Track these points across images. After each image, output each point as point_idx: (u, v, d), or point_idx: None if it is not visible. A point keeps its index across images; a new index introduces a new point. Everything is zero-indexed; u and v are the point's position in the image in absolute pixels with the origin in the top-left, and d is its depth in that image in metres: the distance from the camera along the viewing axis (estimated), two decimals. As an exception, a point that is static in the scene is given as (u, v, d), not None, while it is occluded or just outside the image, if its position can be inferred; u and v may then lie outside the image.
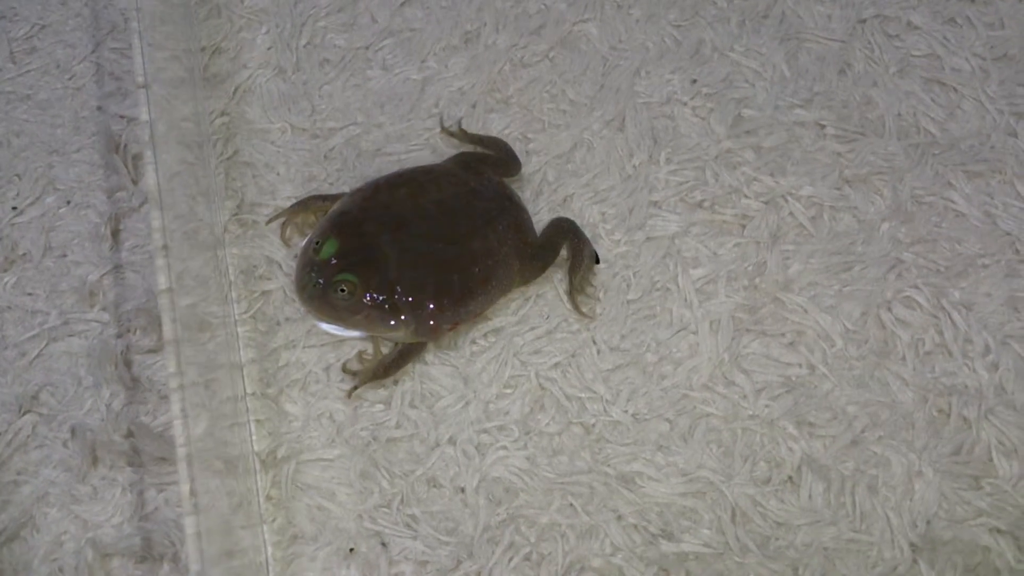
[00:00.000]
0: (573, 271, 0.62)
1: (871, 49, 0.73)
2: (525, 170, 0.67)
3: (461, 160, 0.64)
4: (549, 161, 0.67)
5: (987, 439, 0.59)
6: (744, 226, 0.65)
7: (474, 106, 0.69)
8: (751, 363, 0.61)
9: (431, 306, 0.56)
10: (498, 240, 0.59)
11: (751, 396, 0.60)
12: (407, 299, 0.56)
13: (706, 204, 0.66)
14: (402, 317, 0.56)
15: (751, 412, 0.60)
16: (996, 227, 0.66)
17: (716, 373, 0.61)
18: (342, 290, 0.55)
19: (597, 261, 0.63)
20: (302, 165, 0.66)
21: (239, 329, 0.60)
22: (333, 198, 0.62)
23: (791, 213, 0.66)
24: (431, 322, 0.57)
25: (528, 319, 0.62)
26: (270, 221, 0.63)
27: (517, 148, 0.68)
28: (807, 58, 0.72)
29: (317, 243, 0.56)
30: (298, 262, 0.58)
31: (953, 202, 0.67)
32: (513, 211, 0.62)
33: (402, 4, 0.72)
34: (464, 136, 0.66)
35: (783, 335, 0.62)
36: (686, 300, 0.63)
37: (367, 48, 0.71)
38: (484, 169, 0.64)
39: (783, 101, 0.70)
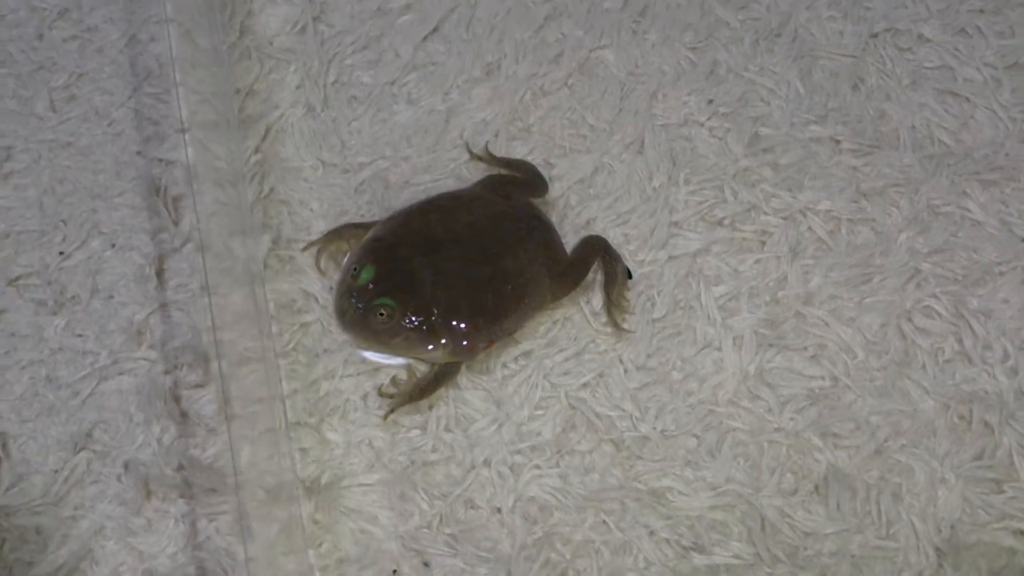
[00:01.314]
0: (609, 287, 0.64)
1: (883, 63, 0.74)
2: (549, 195, 0.69)
3: (489, 183, 0.67)
4: (571, 186, 0.70)
5: (1008, 443, 0.60)
6: (764, 242, 0.67)
7: (497, 135, 0.71)
8: (775, 377, 0.63)
9: (467, 326, 0.58)
10: (529, 259, 0.62)
11: (776, 409, 0.62)
12: (444, 320, 0.58)
13: (726, 222, 0.68)
14: (440, 338, 0.58)
15: (776, 425, 0.62)
16: (1012, 234, 0.67)
17: (741, 388, 0.63)
18: (381, 314, 0.57)
19: (630, 276, 0.65)
20: (334, 200, 0.69)
21: (280, 361, 0.63)
22: (366, 226, 0.65)
23: (810, 228, 0.67)
24: (467, 342, 0.59)
25: (557, 341, 0.64)
26: (305, 249, 0.66)
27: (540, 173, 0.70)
28: (821, 74, 0.73)
29: (355, 269, 0.58)
30: (336, 289, 0.61)
31: (969, 211, 0.68)
32: (542, 230, 0.64)
33: (424, 39, 0.75)
34: (492, 159, 0.69)
35: (805, 348, 0.64)
36: (709, 317, 0.65)
37: (392, 83, 0.73)
38: (512, 191, 0.66)
39: (798, 118, 0.71)
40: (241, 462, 0.50)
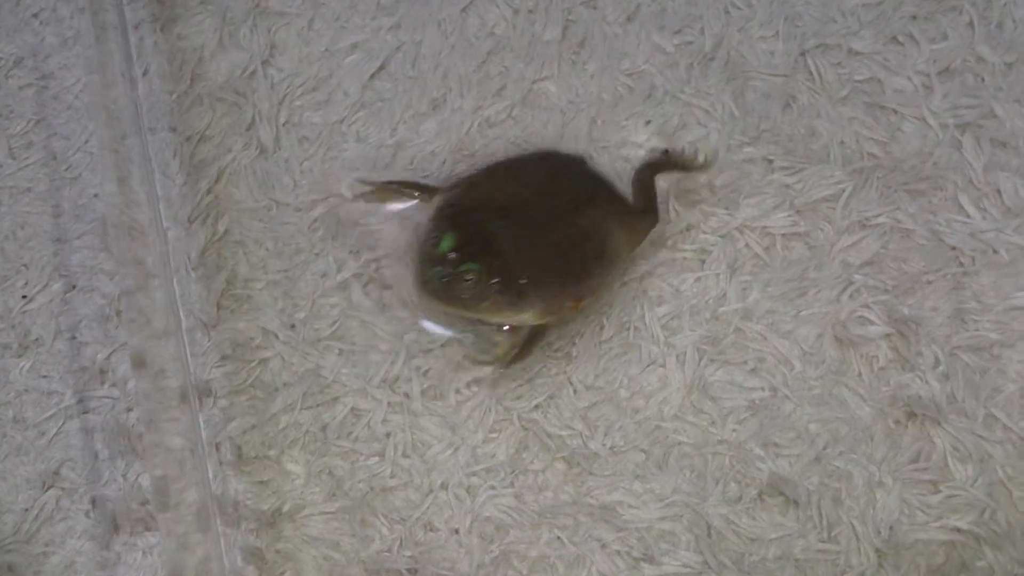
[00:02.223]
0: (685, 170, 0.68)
1: (813, 80, 0.77)
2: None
3: (539, 153, 0.70)
4: (518, 214, 0.72)
5: (942, 446, 0.63)
6: (703, 261, 0.70)
7: (444, 163, 0.74)
8: (717, 391, 0.66)
9: (555, 285, 0.59)
10: (601, 214, 0.63)
11: (719, 422, 0.64)
12: (531, 282, 0.58)
13: (668, 243, 0.71)
14: (528, 301, 0.58)
15: (720, 437, 0.64)
16: (941, 243, 0.70)
17: (685, 403, 0.65)
18: (467, 280, 0.56)
19: (666, 151, 0.69)
20: (288, 238, 0.71)
21: (238, 398, 0.65)
22: (421, 186, 0.68)
23: (747, 244, 0.70)
24: (556, 301, 0.59)
25: (508, 371, 0.67)
26: (362, 192, 0.69)
27: (487, 204, 0.72)
28: (753, 96, 0.76)
29: (435, 238, 0.58)
30: (417, 263, 0.60)
31: (899, 222, 0.71)
32: (605, 185, 0.66)
33: (371, 77, 0.77)
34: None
35: (745, 362, 0.66)
36: (653, 336, 0.67)
37: (341, 122, 0.75)
38: (561, 155, 0.69)
39: (733, 140, 0.74)
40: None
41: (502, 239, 0.58)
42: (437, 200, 0.63)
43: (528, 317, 0.60)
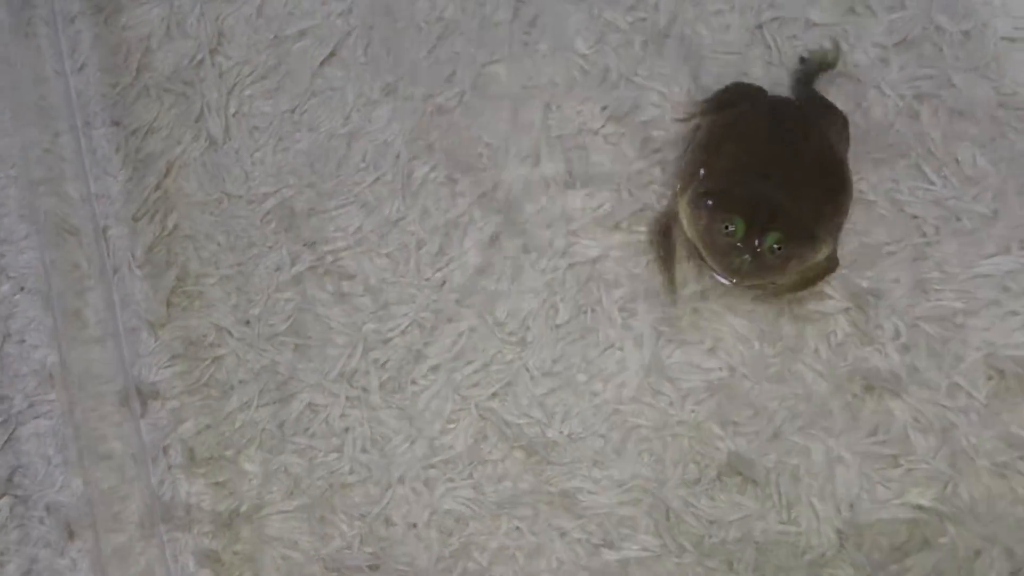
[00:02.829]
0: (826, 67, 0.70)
1: (770, 54, 0.76)
2: (452, 213, 0.71)
3: (741, 105, 0.69)
4: (474, 201, 0.71)
5: (902, 418, 0.63)
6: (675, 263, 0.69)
7: (398, 156, 0.73)
8: (675, 372, 0.65)
9: (833, 214, 0.62)
10: (824, 133, 0.65)
11: (677, 403, 0.64)
12: (817, 224, 0.61)
13: (623, 226, 0.70)
14: (821, 239, 0.60)
15: (678, 418, 0.64)
16: (902, 213, 0.69)
17: (643, 385, 0.65)
18: (774, 250, 0.58)
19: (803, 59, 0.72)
20: (240, 232, 0.70)
21: (190, 398, 0.64)
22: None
23: (703, 225, 0.69)
24: (838, 227, 0.63)
25: (464, 354, 0.66)
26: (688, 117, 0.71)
27: (443, 191, 0.72)
28: (708, 76, 0.75)
29: (726, 228, 0.59)
30: (715, 254, 0.60)
31: (861, 192, 0.70)
32: (813, 111, 0.68)
33: (322, 64, 0.76)
34: (705, 109, 0.71)
35: (703, 342, 0.66)
36: (610, 319, 0.67)
37: (293, 111, 0.74)
38: (767, 98, 0.69)
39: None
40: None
41: (779, 200, 0.60)
42: (691, 196, 0.62)
43: (824, 251, 0.62)
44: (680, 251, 0.66)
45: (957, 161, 0.70)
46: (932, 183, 0.69)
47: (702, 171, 0.64)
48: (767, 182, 0.62)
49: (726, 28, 0.77)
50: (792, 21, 0.77)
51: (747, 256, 0.59)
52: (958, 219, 0.69)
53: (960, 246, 0.67)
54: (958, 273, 0.67)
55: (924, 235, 0.68)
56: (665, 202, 0.70)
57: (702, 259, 0.63)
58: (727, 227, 0.59)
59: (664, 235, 0.66)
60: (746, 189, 0.61)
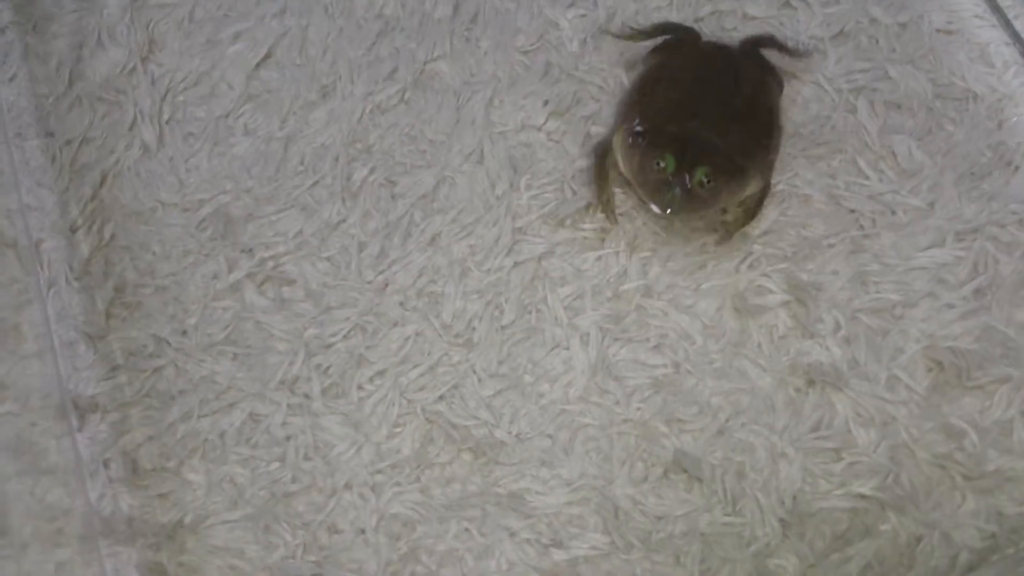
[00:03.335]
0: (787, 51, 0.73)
1: (709, 49, 0.76)
2: (393, 215, 0.70)
3: (664, 48, 0.73)
4: (415, 203, 0.71)
5: (844, 412, 0.64)
6: (603, 239, 0.69)
7: (337, 159, 0.72)
8: (621, 369, 0.65)
9: (760, 148, 0.65)
10: (757, 87, 0.68)
11: (623, 401, 0.64)
12: (745, 156, 0.63)
13: (567, 223, 0.70)
14: (750, 171, 0.63)
15: (625, 416, 0.64)
16: (840, 207, 0.70)
17: (590, 384, 0.65)
18: (703, 183, 0.61)
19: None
20: (176, 240, 0.69)
21: (132, 410, 0.63)
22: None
23: (645, 222, 0.70)
24: (766, 160, 0.66)
25: (410, 357, 0.66)
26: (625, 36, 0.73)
27: (383, 193, 0.71)
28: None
29: (657, 164, 0.61)
30: (648, 190, 0.62)
31: (797, 187, 0.71)
32: (743, 54, 0.71)
33: (257, 67, 0.75)
34: (637, 35, 0.73)
35: (648, 339, 0.66)
36: (556, 318, 0.67)
37: (227, 115, 0.73)
38: (685, 45, 0.72)
39: (629, 112, 0.73)
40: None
41: (708, 137, 0.62)
42: (621, 135, 0.65)
43: (753, 187, 0.65)
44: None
45: (894, 154, 0.71)
46: (868, 177, 0.70)
47: (634, 112, 0.67)
48: (697, 121, 0.64)
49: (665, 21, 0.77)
50: (730, 14, 0.78)
51: (678, 190, 0.61)
52: (894, 212, 0.69)
53: (897, 239, 0.68)
54: (896, 265, 0.68)
55: (862, 228, 0.69)
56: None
57: (639, 197, 0.66)
58: (658, 163, 0.61)
59: (600, 159, 0.69)
60: (676, 127, 0.63)
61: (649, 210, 0.66)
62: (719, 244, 0.67)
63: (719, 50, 0.72)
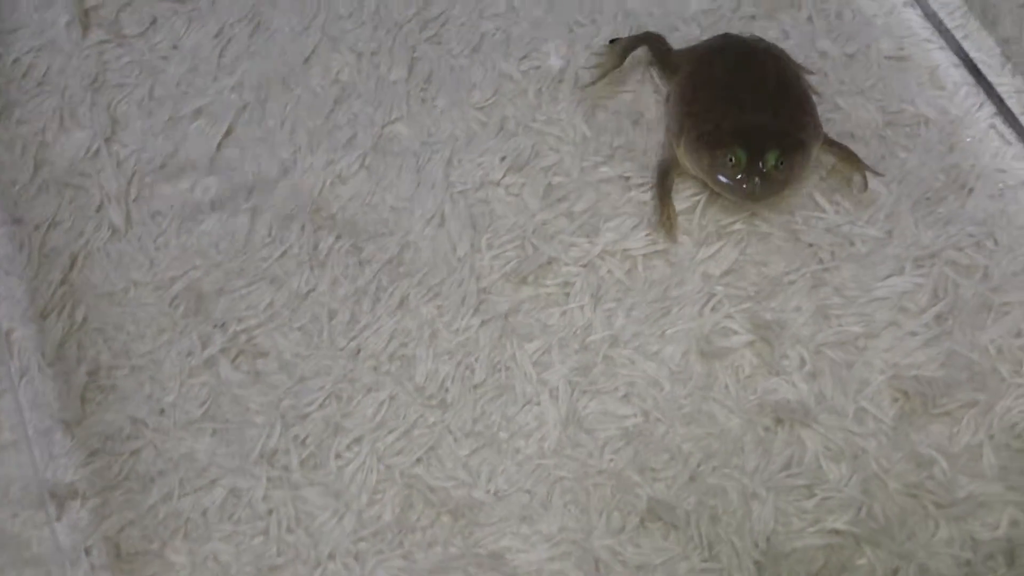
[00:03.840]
0: None
1: (661, 92, 0.77)
2: (361, 281, 0.71)
3: (703, 47, 0.76)
4: (382, 267, 0.72)
5: (814, 448, 0.65)
6: (568, 293, 0.70)
7: (303, 228, 0.73)
8: (592, 422, 0.66)
9: (810, 120, 0.69)
10: (778, 62, 0.73)
11: (596, 453, 0.65)
12: (801, 131, 0.67)
13: (530, 279, 0.71)
14: (809, 143, 0.67)
15: (599, 468, 0.65)
16: (799, 242, 0.71)
17: (563, 437, 0.66)
18: (778, 165, 0.65)
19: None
20: (149, 320, 0.70)
21: (112, 494, 0.64)
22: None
23: (609, 271, 0.71)
24: (818, 129, 0.69)
25: (386, 422, 0.67)
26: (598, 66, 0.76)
27: (350, 260, 0.72)
28: (604, 114, 0.77)
29: (730, 160, 0.65)
30: (727, 187, 0.66)
31: (756, 226, 0.72)
32: (752, 41, 0.76)
33: (219, 143, 0.76)
34: (609, 65, 0.76)
35: (616, 389, 0.67)
36: (526, 374, 0.68)
37: (193, 192, 0.74)
38: (690, 51, 0.76)
39: (587, 161, 0.74)
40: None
41: (763, 121, 0.67)
42: (686, 144, 0.68)
43: (814, 155, 0.69)
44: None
45: (849, 185, 0.72)
46: (824, 210, 0.71)
47: (689, 120, 0.69)
48: (746, 110, 0.68)
49: (618, 69, 0.78)
50: (681, 57, 0.79)
51: (756, 179, 0.64)
52: (852, 243, 0.71)
53: (857, 270, 0.69)
54: (857, 296, 0.69)
55: (821, 262, 0.70)
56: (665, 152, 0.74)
57: (716, 194, 0.70)
58: (731, 159, 0.65)
59: (663, 177, 0.72)
60: (732, 121, 0.67)
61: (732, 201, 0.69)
62: (864, 188, 0.71)
63: (724, 39, 0.75)
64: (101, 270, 0.72)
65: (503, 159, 0.75)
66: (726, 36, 0.76)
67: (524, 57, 0.79)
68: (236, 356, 0.69)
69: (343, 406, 0.67)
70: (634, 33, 0.78)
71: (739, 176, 0.65)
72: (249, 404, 0.68)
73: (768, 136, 0.66)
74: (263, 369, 0.69)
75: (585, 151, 0.75)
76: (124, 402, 0.68)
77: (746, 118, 0.67)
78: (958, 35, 0.79)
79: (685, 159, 0.69)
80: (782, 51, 0.76)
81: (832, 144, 0.71)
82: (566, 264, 0.71)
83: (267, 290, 0.71)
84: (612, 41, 0.78)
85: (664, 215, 0.71)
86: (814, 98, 0.72)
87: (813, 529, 0.62)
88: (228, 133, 0.76)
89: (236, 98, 0.78)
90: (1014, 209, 0.71)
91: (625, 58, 0.76)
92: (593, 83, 0.76)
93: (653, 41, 0.77)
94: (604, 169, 0.74)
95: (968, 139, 0.75)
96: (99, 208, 0.74)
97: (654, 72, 0.78)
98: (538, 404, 0.67)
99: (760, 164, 0.64)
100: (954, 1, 0.79)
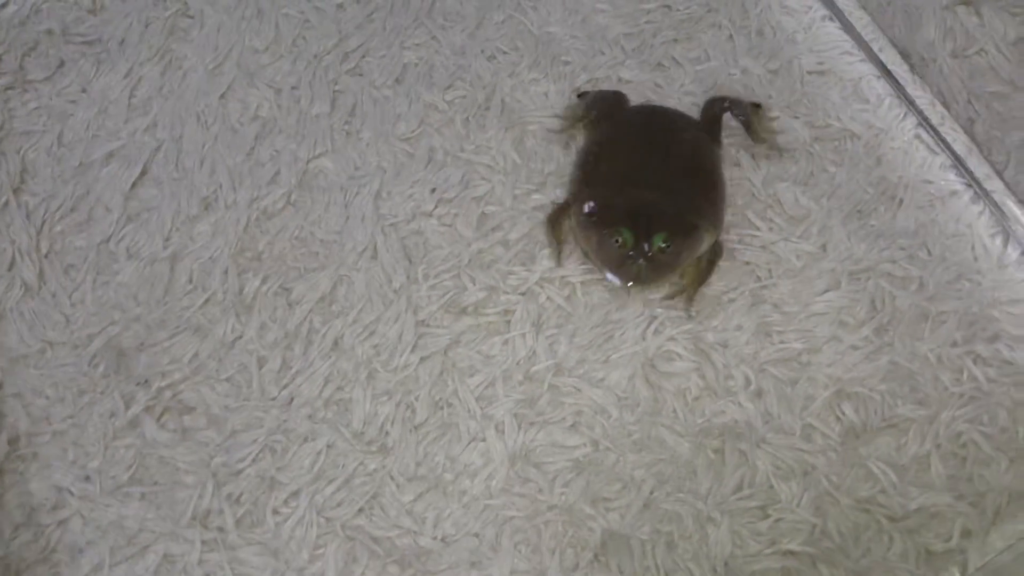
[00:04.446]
0: (753, 128, 0.73)
1: (589, 114, 0.76)
2: (291, 324, 0.68)
3: (597, 119, 0.73)
4: (313, 307, 0.69)
5: (764, 468, 0.64)
6: (509, 322, 0.68)
7: (226, 272, 0.70)
8: (540, 455, 0.64)
9: (707, 203, 0.66)
10: (694, 139, 0.70)
11: (546, 488, 0.63)
12: (696, 214, 0.65)
13: (470, 310, 0.69)
14: (702, 228, 0.65)
15: (549, 503, 0.63)
16: (735, 260, 0.71)
17: (511, 474, 0.64)
18: (663, 249, 0.62)
19: (758, 106, 0.74)
20: (69, 380, 0.66)
21: (41, 568, 0.60)
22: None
23: (548, 298, 0.69)
24: (717, 215, 0.67)
25: (324, 472, 0.64)
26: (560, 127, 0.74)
27: (279, 302, 0.69)
28: (533, 141, 0.75)
29: (616, 241, 0.63)
30: (612, 266, 0.64)
31: (693, 247, 0.71)
32: (674, 115, 0.72)
33: (134, 186, 0.73)
34: (574, 119, 0.74)
35: (564, 419, 0.65)
36: (469, 410, 0.66)
37: (108, 241, 0.71)
38: (620, 109, 0.73)
39: (519, 189, 0.73)
40: None
41: (656, 201, 0.65)
42: (576, 217, 0.66)
43: (707, 242, 0.66)
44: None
45: (780, 202, 0.71)
46: (758, 228, 0.71)
47: (583, 193, 0.67)
48: (642, 188, 0.66)
49: (544, 95, 0.77)
50: (604, 80, 0.78)
51: (641, 261, 0.63)
52: (788, 259, 0.70)
53: (794, 285, 0.69)
54: (796, 312, 0.68)
55: (759, 279, 0.70)
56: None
57: (600, 270, 0.67)
58: (616, 239, 0.63)
59: (554, 223, 0.70)
60: (625, 199, 0.65)
61: (611, 282, 0.67)
62: (687, 307, 0.68)
63: (649, 112, 0.73)
64: (15, 331, 0.68)
65: (433, 191, 0.73)
66: (653, 108, 0.74)
67: (449, 87, 0.78)
68: (161, 414, 0.66)
69: (278, 459, 0.64)
70: (603, 89, 0.76)
71: (626, 256, 0.63)
72: (178, 464, 0.64)
73: (658, 217, 0.63)
74: (191, 426, 0.66)
75: (517, 179, 0.74)
76: (47, 470, 0.64)
77: (639, 196, 0.65)
78: (874, 47, 0.80)
79: (574, 232, 0.67)
80: (707, 123, 0.73)
81: (710, 255, 0.68)
82: (505, 292, 0.70)
83: (191, 341, 0.68)
84: (580, 95, 0.76)
85: (555, 249, 0.70)
86: (728, 189, 0.70)
87: (770, 551, 0.62)
88: (143, 175, 0.73)
89: (150, 139, 0.74)
90: (944, 219, 0.71)
91: (592, 111, 0.74)
92: (560, 132, 0.74)
93: (617, 100, 0.75)
94: (537, 196, 0.73)
95: (892, 151, 0.75)
96: (11, 266, 0.70)
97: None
98: (483, 440, 0.65)
99: (646, 246, 0.62)
100: (867, 16, 0.80)
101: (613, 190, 0.66)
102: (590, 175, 0.68)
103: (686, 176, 0.68)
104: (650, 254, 0.62)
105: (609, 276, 0.66)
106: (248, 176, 0.74)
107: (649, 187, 0.66)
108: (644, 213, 0.64)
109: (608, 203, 0.65)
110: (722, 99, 0.74)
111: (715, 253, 0.68)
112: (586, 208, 0.65)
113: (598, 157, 0.69)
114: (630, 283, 0.65)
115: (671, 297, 0.68)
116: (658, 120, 0.72)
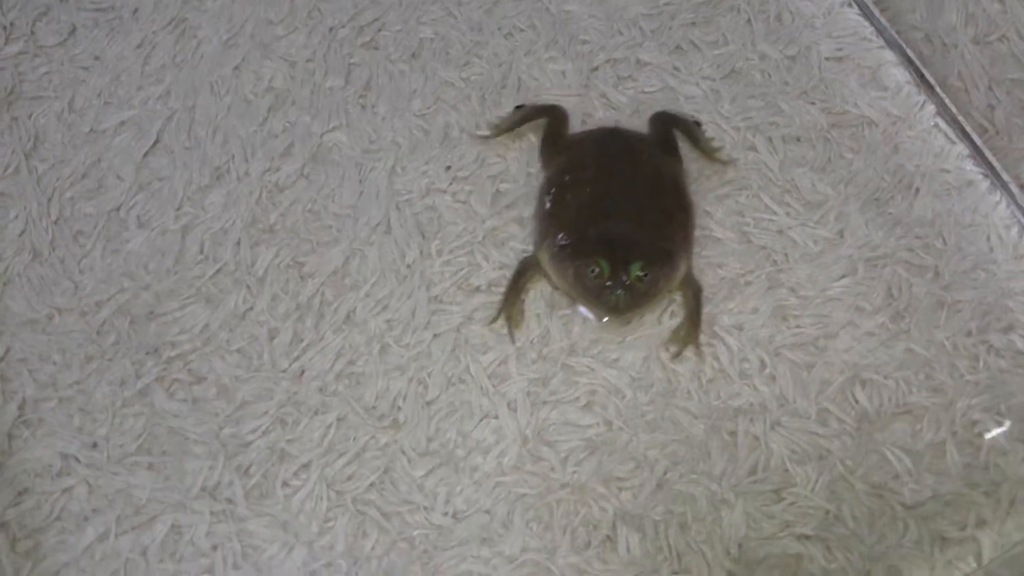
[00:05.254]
0: (699, 138, 0.72)
1: (607, 96, 0.76)
2: (303, 296, 0.68)
3: (575, 151, 0.70)
4: (325, 281, 0.68)
5: (779, 451, 0.63)
6: (523, 300, 0.68)
7: (238, 243, 0.69)
8: (553, 433, 0.64)
9: (680, 230, 0.66)
10: (657, 160, 0.69)
11: (558, 466, 0.63)
12: (669, 241, 0.64)
13: (483, 287, 0.68)
14: (677, 255, 0.64)
15: (561, 482, 0.62)
16: (751, 244, 0.70)
17: (523, 452, 0.63)
18: (640, 278, 0.61)
19: (698, 124, 0.73)
20: (76, 347, 0.65)
21: (42, 536, 0.59)
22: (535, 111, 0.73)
23: (560, 280, 0.68)
24: (688, 242, 0.67)
25: (335, 446, 0.64)
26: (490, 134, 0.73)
27: (291, 274, 0.69)
28: (550, 119, 0.74)
29: (592, 271, 0.62)
30: (589, 298, 0.63)
31: (710, 229, 0.71)
32: (628, 136, 0.71)
33: (145, 155, 0.72)
34: (503, 128, 0.73)
35: (577, 398, 0.65)
36: (482, 388, 0.65)
37: (119, 209, 0.70)
38: (563, 126, 0.73)
39: (533, 168, 0.72)
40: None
41: (629, 230, 0.64)
42: (546, 252, 0.65)
43: (683, 269, 0.65)
44: (557, 299, 0.68)
45: (797, 187, 0.71)
46: (775, 212, 0.70)
47: (554, 227, 0.65)
48: (613, 218, 0.65)
49: (562, 74, 0.76)
50: (623, 62, 0.78)
51: (619, 291, 0.61)
52: (804, 244, 0.70)
53: (811, 270, 0.69)
54: (813, 297, 0.68)
55: (775, 263, 0.69)
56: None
57: (577, 303, 0.66)
58: (593, 271, 0.61)
59: (519, 276, 0.68)
60: (597, 230, 0.64)
61: (589, 315, 0.66)
62: (675, 360, 0.66)
63: (609, 136, 0.71)
64: (23, 297, 0.67)
65: (448, 168, 0.73)
66: (613, 131, 0.72)
67: (465, 64, 0.77)
68: (171, 384, 0.65)
69: (288, 431, 0.64)
70: (542, 103, 0.75)
71: (603, 287, 0.62)
72: (187, 434, 0.64)
73: (633, 246, 0.63)
74: (201, 396, 0.65)
75: (531, 158, 0.73)
76: (53, 437, 0.63)
77: (611, 227, 0.64)
78: (893, 30, 0.79)
79: (548, 268, 0.65)
80: (665, 140, 0.72)
81: (690, 283, 0.67)
82: (519, 271, 0.69)
83: (202, 311, 0.67)
84: (519, 107, 0.74)
85: (507, 313, 0.67)
86: (693, 208, 0.69)
87: (783, 534, 0.61)
88: (155, 144, 0.72)
89: (162, 107, 0.74)
90: (960, 208, 0.71)
91: (524, 124, 0.73)
92: (488, 137, 0.73)
93: (555, 116, 0.73)
94: (552, 175, 0.72)
95: (910, 140, 0.75)
96: (22, 232, 0.69)
97: (600, 75, 0.76)
98: (496, 418, 0.64)
99: (623, 275, 0.61)
100: (887, 1, 0.80)
101: (584, 223, 0.65)
102: (559, 210, 0.66)
103: (653, 202, 0.67)
104: (628, 283, 0.61)
105: (582, 310, 0.66)
106: (260, 148, 0.73)
107: (619, 217, 0.65)
108: (619, 242, 0.63)
109: (581, 235, 0.64)
110: (664, 114, 0.73)
111: (695, 289, 0.67)
112: (560, 242, 0.64)
113: (563, 190, 0.67)
114: (606, 318, 0.65)
115: (678, 354, 0.66)
116: (616, 145, 0.70)
